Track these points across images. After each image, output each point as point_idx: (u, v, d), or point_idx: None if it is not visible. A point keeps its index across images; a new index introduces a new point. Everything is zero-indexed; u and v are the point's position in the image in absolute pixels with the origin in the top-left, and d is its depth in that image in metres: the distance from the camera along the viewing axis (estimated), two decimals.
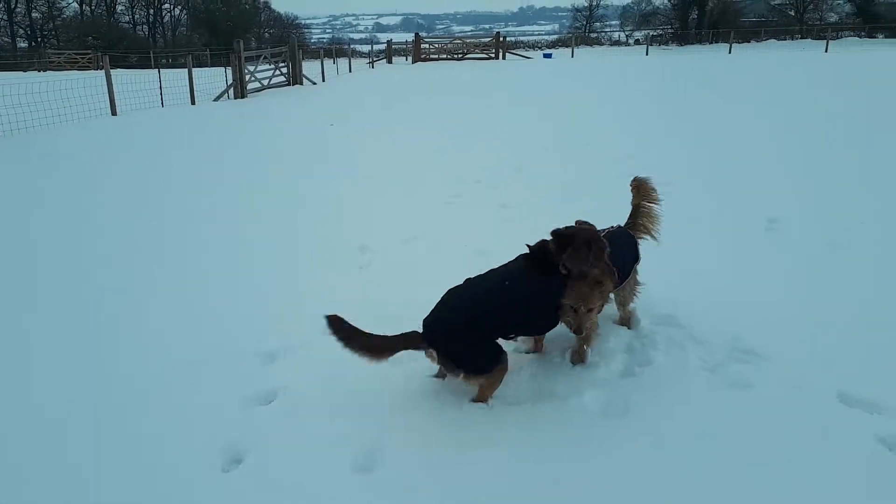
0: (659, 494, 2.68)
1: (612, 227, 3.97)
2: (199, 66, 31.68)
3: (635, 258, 4.02)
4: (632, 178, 4.29)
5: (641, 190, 4.24)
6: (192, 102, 17.95)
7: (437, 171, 8.70)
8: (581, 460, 2.89)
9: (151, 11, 69.19)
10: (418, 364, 3.68)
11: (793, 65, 24.44)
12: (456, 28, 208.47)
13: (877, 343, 3.77)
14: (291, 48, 24.07)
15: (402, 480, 2.82)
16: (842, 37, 47.17)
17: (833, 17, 59.38)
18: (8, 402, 3.51)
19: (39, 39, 61.86)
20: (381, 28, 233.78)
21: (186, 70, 18.42)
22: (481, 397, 3.31)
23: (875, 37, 48.37)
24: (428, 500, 2.70)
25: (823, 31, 45.95)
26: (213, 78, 20.67)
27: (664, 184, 7.24)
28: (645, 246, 4.21)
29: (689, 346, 3.83)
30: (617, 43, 61.67)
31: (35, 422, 3.31)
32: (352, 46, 41.67)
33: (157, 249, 5.87)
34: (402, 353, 3.83)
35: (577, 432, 3.09)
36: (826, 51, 33.65)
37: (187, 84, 18.10)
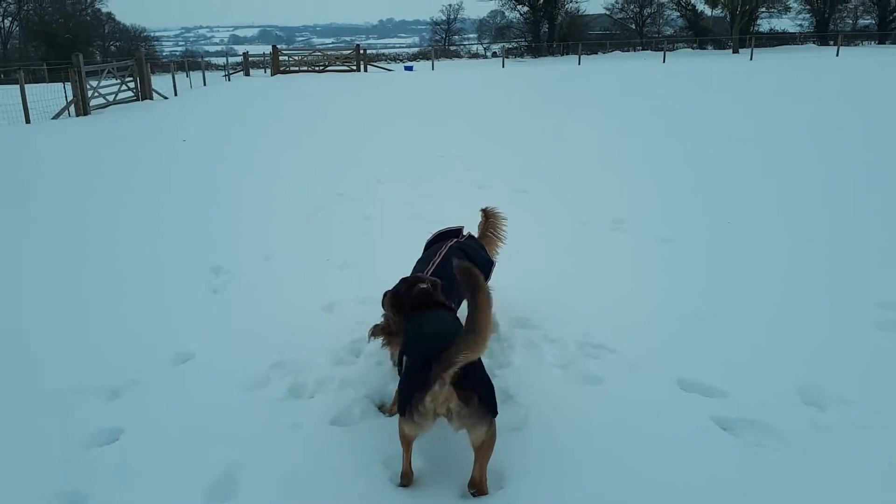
0: (516, 491, 2.76)
1: (464, 235, 4.10)
2: (36, 81, 29.25)
3: (489, 263, 4.13)
4: (482, 208, 4.59)
5: (489, 219, 4.52)
6: (27, 121, 16.51)
7: (298, 184, 8.53)
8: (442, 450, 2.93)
9: None
10: (269, 390, 3.61)
11: (634, 74, 26.26)
12: (316, 40, 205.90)
13: (713, 332, 4.10)
14: (138, 61, 22.73)
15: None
16: (677, 48, 51.27)
17: (669, 31, 64.41)
18: None
19: None
20: (237, 40, 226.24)
21: (18, 86, 16.92)
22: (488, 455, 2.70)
23: (705, 48, 52.99)
24: None
25: (661, 44, 49.78)
26: (52, 94, 19.11)
27: (521, 191, 7.65)
28: (504, 248, 4.38)
29: (544, 345, 3.99)
30: (476, 56, 63.43)
31: None
32: (206, 59, 40.01)
33: None
34: (261, 376, 3.76)
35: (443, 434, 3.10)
36: (664, 61, 36.42)
37: (20, 101, 16.62)
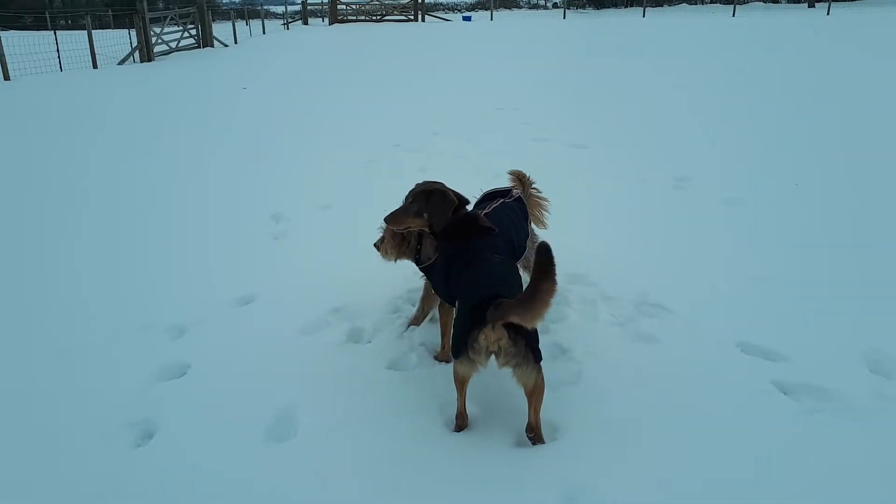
0: (571, 442, 2.78)
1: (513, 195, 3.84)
2: (102, 27, 29.84)
3: (525, 235, 3.76)
4: (510, 171, 4.13)
5: (524, 182, 4.07)
6: (94, 66, 16.93)
7: (355, 134, 8.56)
8: (496, 401, 2.97)
9: None
10: (327, 334, 3.69)
11: (702, 28, 25.17)
12: None
13: (776, 295, 4.00)
14: (200, 9, 22.94)
15: (317, 448, 2.81)
16: (748, 2, 48.76)
17: None
18: None
19: None
20: None
21: (86, 32, 17.33)
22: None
23: (778, 2, 50.30)
24: (342, 467, 2.70)
25: None
26: (117, 40, 19.53)
27: (580, 146, 7.51)
28: (558, 205, 4.30)
29: (600, 302, 3.96)
30: (535, 6, 61.71)
31: None
32: (265, 7, 40.09)
33: (61, 223, 5.56)
34: (320, 320, 3.85)
35: (494, 382, 3.13)
36: (733, 15, 34.76)
37: (87, 47, 17.03)
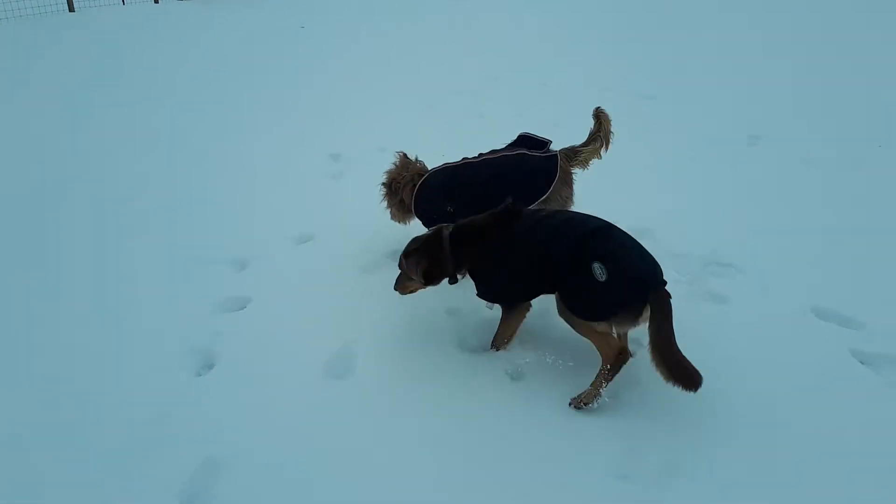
0: (634, 399, 2.70)
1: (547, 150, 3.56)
2: None
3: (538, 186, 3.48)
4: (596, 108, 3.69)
5: (602, 121, 3.61)
6: (156, 0, 16.95)
7: (414, 77, 8.39)
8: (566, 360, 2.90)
9: None
10: (383, 276, 3.63)
11: None
12: None
13: (852, 258, 3.79)
14: None
15: (374, 387, 2.80)
16: None
17: None
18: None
19: None
20: None
21: None
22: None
23: None
24: (399, 407, 2.69)
25: None
26: None
27: (648, 97, 7.20)
28: (624, 160, 4.12)
29: (667, 259, 3.77)
30: None
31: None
32: None
33: (126, 160, 5.61)
34: (377, 262, 3.82)
35: (560, 331, 3.06)
36: None
37: None
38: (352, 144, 5.77)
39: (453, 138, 5.77)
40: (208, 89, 7.89)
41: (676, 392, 2.68)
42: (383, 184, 3.74)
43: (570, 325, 2.72)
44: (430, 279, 2.97)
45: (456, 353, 3.00)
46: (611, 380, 2.65)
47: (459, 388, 2.78)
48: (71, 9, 14.00)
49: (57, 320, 3.26)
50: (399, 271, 3.06)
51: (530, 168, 3.41)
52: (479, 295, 2.99)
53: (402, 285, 3.07)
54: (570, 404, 2.69)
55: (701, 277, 3.62)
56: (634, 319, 2.55)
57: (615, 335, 2.67)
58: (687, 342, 3.02)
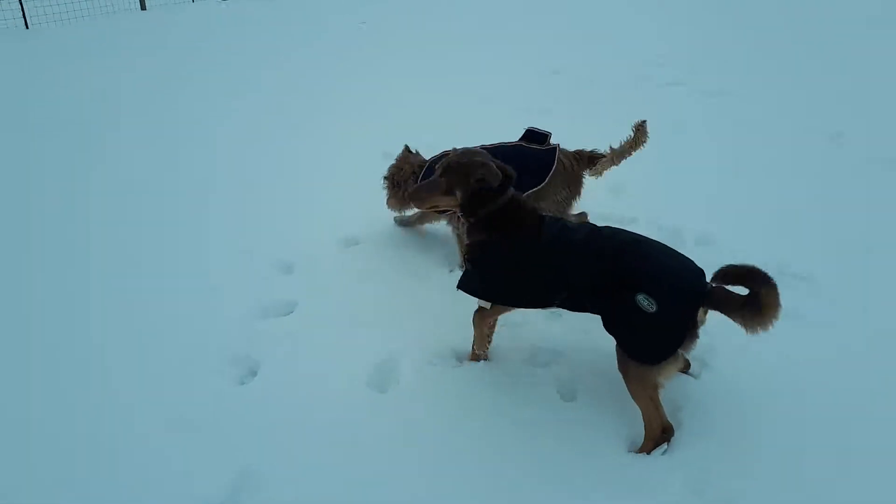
0: (696, 429, 2.51)
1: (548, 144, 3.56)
2: None
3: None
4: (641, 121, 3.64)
5: (638, 136, 3.59)
6: None
7: (473, 73, 8.18)
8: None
9: None
10: (436, 279, 3.54)
11: None
12: None
13: None
14: None
15: (418, 402, 2.70)
16: None
17: None
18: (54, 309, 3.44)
19: None
20: None
21: None
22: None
23: None
24: (444, 425, 2.58)
25: None
26: None
27: (718, 93, 6.83)
28: (687, 158, 3.88)
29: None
30: None
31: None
32: None
33: (172, 156, 5.65)
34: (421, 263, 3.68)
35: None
36: None
37: None
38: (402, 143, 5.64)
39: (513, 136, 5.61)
40: (258, 86, 7.91)
41: (741, 419, 2.49)
42: (385, 177, 3.79)
43: (626, 382, 2.44)
44: (473, 207, 2.58)
45: (506, 368, 2.86)
46: (650, 452, 2.43)
47: (509, 406, 2.64)
48: (143, 7, 14.39)
49: (100, 322, 3.25)
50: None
51: (525, 159, 3.29)
52: (465, 283, 2.65)
53: (428, 195, 2.67)
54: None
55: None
56: (692, 339, 2.34)
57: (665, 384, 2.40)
58: (759, 365, 2.81)
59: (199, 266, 3.76)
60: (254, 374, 2.87)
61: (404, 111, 6.57)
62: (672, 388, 2.66)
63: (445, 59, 9.06)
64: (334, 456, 2.43)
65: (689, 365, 2.79)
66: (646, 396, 2.38)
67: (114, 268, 3.78)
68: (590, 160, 3.52)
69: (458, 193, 2.59)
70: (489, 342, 2.87)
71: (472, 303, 2.80)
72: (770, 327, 2.21)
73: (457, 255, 3.70)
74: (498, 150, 3.17)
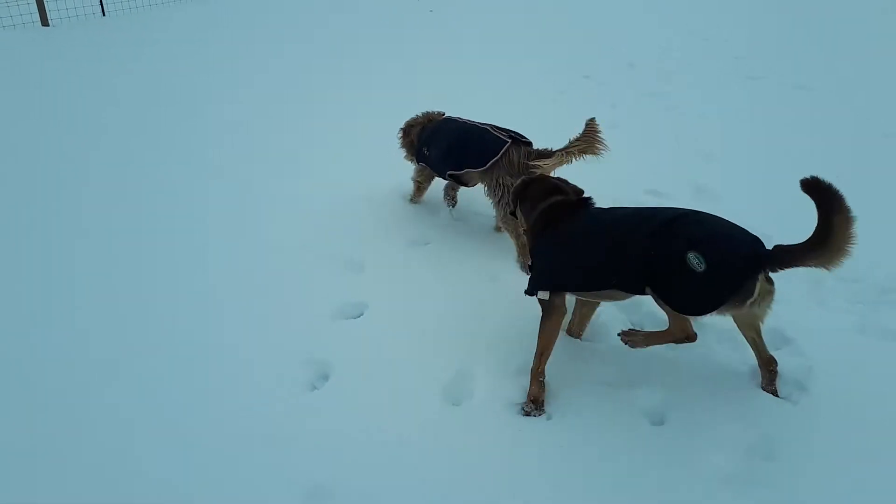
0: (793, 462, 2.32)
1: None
2: None
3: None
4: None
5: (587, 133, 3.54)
6: None
7: (540, 64, 7.96)
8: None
9: None
10: (505, 285, 3.41)
11: None
12: None
13: None
14: None
15: (494, 417, 2.58)
16: None
17: None
18: (115, 316, 3.40)
19: None
20: None
21: None
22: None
23: None
24: (522, 442, 2.46)
25: None
26: None
27: (801, 87, 6.45)
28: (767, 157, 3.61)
29: (832, 283, 3.32)
30: None
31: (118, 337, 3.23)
32: None
33: (241, 156, 5.61)
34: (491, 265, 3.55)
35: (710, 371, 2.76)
36: None
37: None
38: None
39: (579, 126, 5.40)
40: (329, 84, 7.80)
41: (844, 451, 2.30)
42: (401, 128, 4.23)
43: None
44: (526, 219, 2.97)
45: (588, 385, 2.72)
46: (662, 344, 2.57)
47: (591, 427, 2.51)
48: (103, 13, 14.29)
49: (173, 324, 3.17)
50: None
51: (476, 141, 3.71)
52: (531, 282, 2.72)
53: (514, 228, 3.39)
54: (618, 334, 2.63)
55: (876, 308, 3.11)
56: (743, 302, 2.30)
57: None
58: (863, 392, 2.59)
59: (271, 265, 3.67)
60: (325, 378, 2.80)
61: (482, 102, 6.38)
62: (765, 414, 2.49)
63: (513, 43, 8.83)
64: (406, 472, 2.34)
65: (775, 363, 2.65)
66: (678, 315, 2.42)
67: (186, 265, 3.70)
68: (539, 156, 3.57)
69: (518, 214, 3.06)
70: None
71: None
72: (844, 257, 2.20)
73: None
74: (470, 127, 3.83)
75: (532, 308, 2.78)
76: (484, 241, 3.90)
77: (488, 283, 3.47)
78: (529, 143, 3.69)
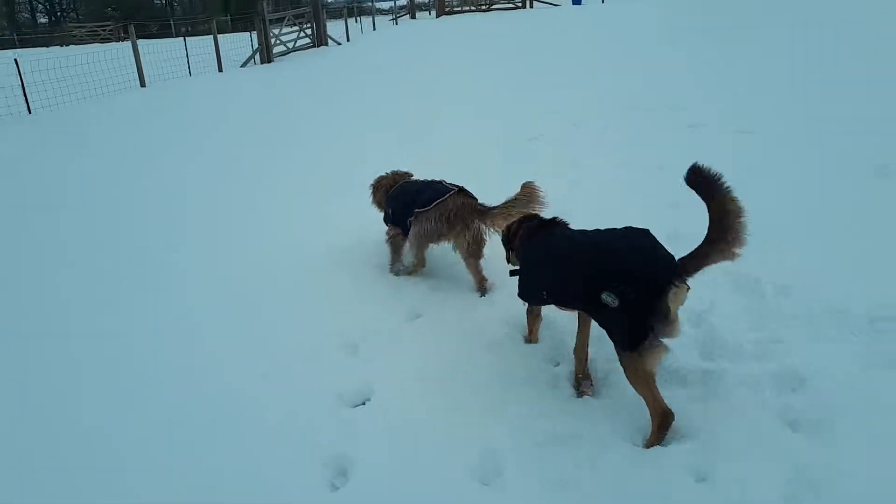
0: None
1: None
2: (220, 32, 30.91)
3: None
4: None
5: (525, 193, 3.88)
6: (220, 69, 17.49)
7: (491, 128, 8.13)
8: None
9: None
10: (506, 351, 3.35)
11: None
12: None
13: None
14: (315, 8, 23.27)
15: (528, 498, 2.45)
16: None
17: None
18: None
19: (59, 14, 61.35)
20: None
21: (211, 37, 17.95)
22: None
23: None
24: None
25: None
26: (237, 43, 20.16)
27: (742, 132, 6.74)
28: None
29: (826, 317, 3.35)
30: None
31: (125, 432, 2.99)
32: (372, 4, 40.35)
33: (207, 235, 5.48)
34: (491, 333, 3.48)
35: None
36: None
37: (212, 51, 17.60)
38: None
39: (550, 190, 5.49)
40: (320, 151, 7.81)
41: None
42: (371, 185, 4.63)
43: (628, 378, 2.65)
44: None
45: (623, 450, 2.62)
46: (660, 442, 2.60)
47: (636, 496, 2.40)
48: (142, 83, 14.46)
49: (182, 423, 2.99)
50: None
51: (427, 190, 4.08)
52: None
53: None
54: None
55: (878, 338, 3.14)
56: (667, 318, 2.48)
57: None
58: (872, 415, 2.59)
59: (269, 350, 3.53)
60: (344, 474, 2.63)
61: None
62: (801, 455, 2.43)
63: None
64: None
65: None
66: (642, 384, 2.59)
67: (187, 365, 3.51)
68: (480, 213, 3.90)
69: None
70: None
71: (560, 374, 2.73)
72: (741, 246, 2.38)
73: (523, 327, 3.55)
74: (423, 183, 4.22)
75: (544, 371, 2.81)
76: (473, 311, 3.82)
77: (492, 354, 3.38)
78: (474, 198, 4.01)
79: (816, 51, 10.79)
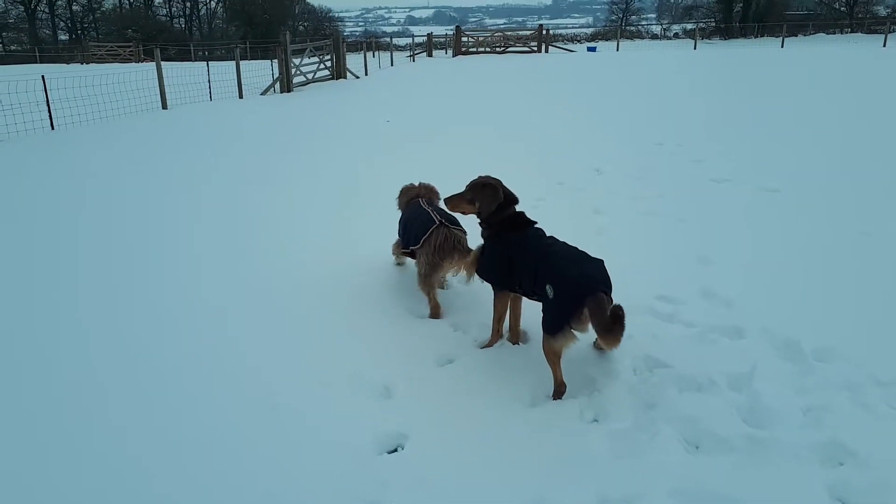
0: None
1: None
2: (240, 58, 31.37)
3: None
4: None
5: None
6: (241, 96, 17.64)
7: (516, 171, 8.12)
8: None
9: (188, 4, 69.41)
10: (574, 403, 3.25)
11: (856, 60, 23.34)
12: (489, 21, 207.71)
13: None
14: (335, 41, 23.62)
15: None
16: (894, 30, 45.49)
17: (883, 12, 57.35)
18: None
19: (80, 31, 62.35)
20: (412, 21, 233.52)
21: (234, 63, 18.12)
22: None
23: None
24: None
25: (878, 25, 44.41)
26: (257, 71, 20.39)
27: (771, 190, 6.75)
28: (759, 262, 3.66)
29: (869, 387, 3.29)
30: (655, 37, 60.32)
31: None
32: (392, 40, 40.98)
33: (229, 261, 5.45)
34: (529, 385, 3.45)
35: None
36: (884, 45, 32.34)
37: (233, 77, 17.77)
38: None
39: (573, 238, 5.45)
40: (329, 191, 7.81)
41: None
42: (401, 189, 4.91)
43: (543, 351, 3.31)
44: (491, 219, 3.67)
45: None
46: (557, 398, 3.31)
47: None
48: (164, 106, 14.58)
49: (203, 468, 2.90)
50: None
51: (422, 223, 4.24)
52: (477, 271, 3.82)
53: (458, 201, 3.83)
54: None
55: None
56: (580, 319, 3.09)
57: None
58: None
59: (301, 390, 3.45)
60: None
61: None
62: None
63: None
64: None
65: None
66: (552, 358, 3.29)
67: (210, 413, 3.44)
68: (462, 248, 4.11)
69: (477, 203, 3.72)
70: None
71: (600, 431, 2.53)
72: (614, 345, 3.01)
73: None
74: (426, 210, 4.34)
75: (578, 421, 2.72)
76: (509, 357, 3.73)
77: (531, 410, 3.28)
78: (461, 228, 4.23)
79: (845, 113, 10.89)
